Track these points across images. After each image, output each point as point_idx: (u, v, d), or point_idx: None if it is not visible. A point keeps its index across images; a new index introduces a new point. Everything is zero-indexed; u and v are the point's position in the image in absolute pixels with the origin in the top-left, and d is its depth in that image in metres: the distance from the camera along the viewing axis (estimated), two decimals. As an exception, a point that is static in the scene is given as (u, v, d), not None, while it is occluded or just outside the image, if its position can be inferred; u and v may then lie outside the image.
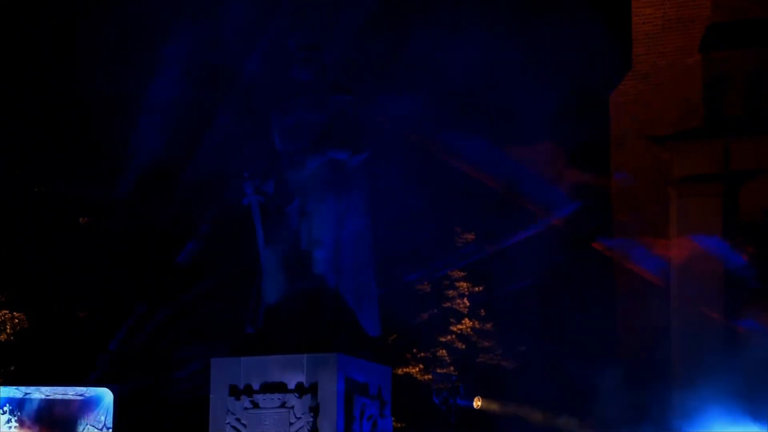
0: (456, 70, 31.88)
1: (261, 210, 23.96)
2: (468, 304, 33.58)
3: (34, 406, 25.77)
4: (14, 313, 30.56)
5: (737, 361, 30.97)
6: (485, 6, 32.21)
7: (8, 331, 30.14)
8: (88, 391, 25.08)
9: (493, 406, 29.67)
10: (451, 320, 33.48)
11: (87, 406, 24.91)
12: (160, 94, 27.74)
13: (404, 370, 30.32)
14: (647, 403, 30.65)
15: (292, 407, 23.28)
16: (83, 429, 24.73)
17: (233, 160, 24.72)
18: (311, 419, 23.11)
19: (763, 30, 33.06)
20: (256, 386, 23.48)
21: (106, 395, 25.01)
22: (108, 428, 24.75)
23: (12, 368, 28.99)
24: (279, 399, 23.35)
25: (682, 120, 33.87)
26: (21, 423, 25.61)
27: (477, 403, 27.20)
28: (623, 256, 33.45)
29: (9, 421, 25.34)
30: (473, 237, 33.46)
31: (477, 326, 33.34)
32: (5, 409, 25.74)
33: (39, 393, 25.95)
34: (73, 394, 24.86)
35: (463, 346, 33.12)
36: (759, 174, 32.56)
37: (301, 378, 23.21)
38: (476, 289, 33.37)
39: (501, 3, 32.24)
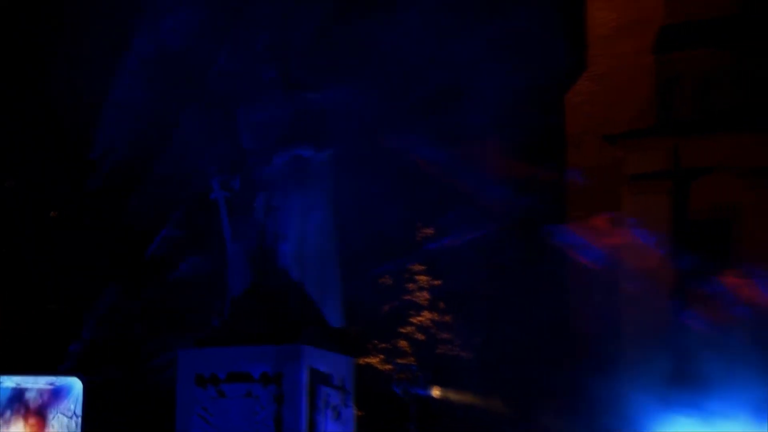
0: (411, 68, 31.93)
1: (228, 205, 24.12)
2: (428, 296, 33.69)
3: (6, 394, 25.74)
4: (-15, 304, 30.59)
5: (684, 354, 31.25)
6: (440, 4, 32.25)
7: (-21, 322, 30.19)
8: (58, 380, 25.12)
9: (451, 395, 29.82)
10: (411, 312, 33.58)
11: (57, 394, 24.96)
12: (128, 92, 27.72)
13: (366, 360, 30.40)
14: (597, 395, 30.82)
15: (258, 397, 23.41)
16: (53, 417, 24.76)
17: (201, 156, 24.77)
18: (276, 408, 23.25)
19: (713, 31, 33.26)
20: (222, 376, 23.60)
21: (76, 384, 25.05)
22: (77, 416, 24.80)
23: (-16, 358, 28.98)
24: (244, 389, 23.48)
25: (636, 119, 34.02)
26: (-8, 411, 25.58)
27: (436, 392, 27.33)
28: (573, 248, 33.60)
29: (-20, 409, 25.32)
30: (432, 232, 33.57)
31: (436, 318, 33.45)
32: (-24, 397, 25.69)
33: (10, 382, 25.93)
34: (43, 383, 24.88)
35: (423, 338, 33.22)
36: (707, 172, 32.77)
37: (266, 368, 23.34)
38: (435, 282, 33.48)
39: (456, 2, 32.30)
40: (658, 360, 31.13)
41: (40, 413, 24.83)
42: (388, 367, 31.01)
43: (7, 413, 25.30)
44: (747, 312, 31.21)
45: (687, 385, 30.10)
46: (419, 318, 33.67)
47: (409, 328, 33.51)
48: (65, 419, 24.83)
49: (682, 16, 33.80)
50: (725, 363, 30.13)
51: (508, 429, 30.15)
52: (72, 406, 24.89)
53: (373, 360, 31.69)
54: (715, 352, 30.55)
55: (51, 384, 25.03)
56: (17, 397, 25.76)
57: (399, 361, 31.37)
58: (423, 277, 33.86)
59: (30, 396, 24.92)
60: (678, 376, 30.66)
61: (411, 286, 33.85)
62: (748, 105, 32.49)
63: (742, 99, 32.69)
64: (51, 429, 24.81)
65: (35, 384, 24.93)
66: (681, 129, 33.18)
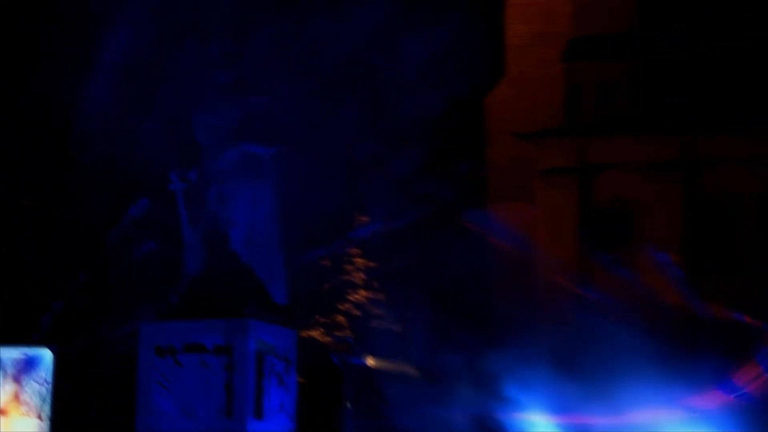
0: (349, 72, 31.74)
1: (185, 195, 23.89)
2: (363, 277, 33.72)
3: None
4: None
5: (592, 333, 31.32)
6: (376, 16, 32.06)
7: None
8: (31, 351, 24.71)
9: (383, 364, 29.74)
10: (349, 291, 33.59)
11: (30, 363, 24.58)
12: (100, 95, 27.42)
13: (308, 333, 30.29)
14: (503, 370, 30.83)
15: (210, 365, 23.20)
16: (27, 383, 24.35)
17: (162, 152, 24.49)
18: (227, 376, 23.05)
19: (614, 45, 33.54)
20: (178, 347, 23.36)
21: (47, 354, 24.66)
22: (48, 383, 24.42)
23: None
24: (199, 358, 23.25)
25: (547, 120, 34.29)
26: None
27: (369, 361, 27.28)
28: (491, 234, 33.60)
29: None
30: (368, 219, 33.52)
31: (371, 296, 33.49)
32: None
33: (-17, 351, 25.50)
34: (17, 354, 24.47)
35: (359, 313, 33.25)
36: (609, 168, 33.00)
37: (219, 340, 23.12)
38: (370, 264, 33.50)
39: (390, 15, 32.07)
40: (567, 335, 31.20)
41: (15, 380, 24.37)
42: (327, 339, 30.91)
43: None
44: (646, 293, 31.44)
45: (592, 370, 30.04)
46: (356, 296, 33.64)
47: (346, 305, 33.46)
48: (37, 386, 24.41)
49: (587, 30, 34.02)
50: (625, 345, 30.24)
51: (426, 391, 30.13)
52: (43, 374, 24.48)
53: (314, 333, 31.58)
54: (616, 335, 30.70)
55: (24, 354, 24.56)
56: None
57: (337, 334, 31.34)
58: (359, 260, 33.83)
59: (5, 365, 24.43)
60: (582, 359, 30.69)
61: (348, 267, 33.79)
62: (644, 109, 32.75)
63: (638, 104, 32.93)
64: (24, 394, 24.36)
65: (10, 354, 24.43)
66: (586, 130, 33.49)
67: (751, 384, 28.90)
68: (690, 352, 30.10)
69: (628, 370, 28.47)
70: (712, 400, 28.24)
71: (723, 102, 32.33)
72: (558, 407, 28.99)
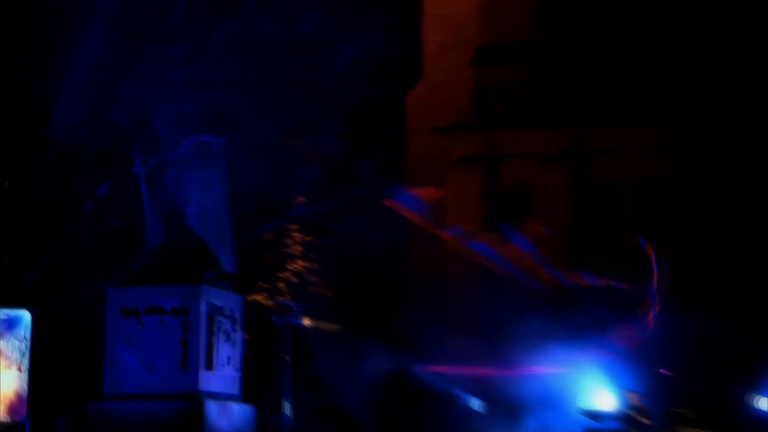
0: (288, 72, 31.65)
1: (146, 178, 23.96)
2: (300, 249, 33.67)
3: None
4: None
5: (493, 298, 31.70)
6: (312, 25, 31.96)
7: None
8: (11, 312, 24.60)
9: (318, 324, 29.89)
10: (288, 261, 33.59)
11: (10, 323, 24.44)
12: (73, 90, 27.16)
13: (252, 297, 30.29)
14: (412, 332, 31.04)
15: (169, 325, 23.20)
16: (8, 341, 24.24)
17: (127, 141, 24.54)
18: (183, 334, 23.07)
19: (515, 51, 33.76)
20: (141, 309, 23.33)
21: (25, 315, 24.58)
22: (27, 340, 24.30)
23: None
24: (158, 319, 23.25)
25: (458, 116, 34.45)
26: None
27: (306, 321, 27.40)
28: (412, 213, 33.78)
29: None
30: (304, 200, 33.55)
31: (307, 266, 33.49)
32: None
33: (-34, 313, 25.20)
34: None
35: (297, 281, 33.23)
36: (510, 157, 33.30)
37: (176, 303, 23.14)
38: (307, 238, 33.51)
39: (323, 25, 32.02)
40: (468, 303, 31.52)
41: (-6, 339, 24.31)
42: (269, 302, 30.93)
43: (-30, 339, 24.66)
44: (539, 264, 31.81)
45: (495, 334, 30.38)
46: (294, 265, 33.65)
47: (286, 274, 33.48)
48: (17, 342, 24.30)
49: (493, 39, 34.29)
50: (520, 308, 30.63)
51: (350, 347, 30.32)
52: (23, 333, 24.35)
53: (258, 297, 31.56)
54: (513, 299, 31.12)
55: (6, 315, 24.45)
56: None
57: (278, 298, 31.31)
58: (297, 235, 33.82)
59: (-16, 325, 24.35)
60: (483, 320, 31.05)
61: (288, 241, 33.79)
62: (540, 106, 33.07)
63: (535, 102, 33.24)
64: (5, 350, 24.29)
65: (-11, 315, 24.35)
66: (491, 124, 33.73)
67: (627, 342, 29.50)
68: (575, 314, 30.57)
69: (521, 330, 28.95)
70: (594, 356, 28.76)
71: (606, 100, 32.64)
72: (460, 362, 29.37)
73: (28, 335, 24.12)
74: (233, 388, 24.18)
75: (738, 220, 30.92)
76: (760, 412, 26.33)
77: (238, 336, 24.23)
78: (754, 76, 31.99)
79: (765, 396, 26.41)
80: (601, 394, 26.68)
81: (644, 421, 23.95)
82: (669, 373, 27.33)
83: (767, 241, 30.40)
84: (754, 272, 29.66)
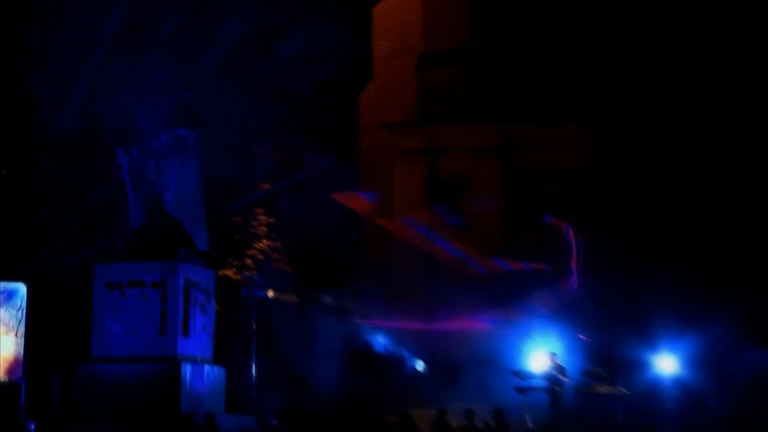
0: (252, 75, 31.56)
1: (129, 167, 24.09)
2: (265, 230, 33.55)
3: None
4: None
5: (431, 268, 31.88)
6: (275, 33, 31.77)
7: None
8: (9, 285, 24.55)
9: (280, 296, 29.92)
10: (254, 240, 33.50)
11: (9, 294, 24.36)
12: (69, 88, 26.85)
13: (223, 272, 30.28)
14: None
15: (149, 297, 23.41)
16: (6, 309, 24.18)
17: (113, 134, 24.62)
18: (161, 305, 23.30)
19: (453, 57, 33.70)
20: (124, 282, 23.55)
21: (21, 287, 24.55)
22: (22, 309, 24.22)
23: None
24: (140, 291, 23.45)
25: (404, 114, 34.38)
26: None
27: (270, 293, 27.42)
28: (362, 200, 33.83)
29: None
30: (269, 186, 33.48)
31: (271, 245, 33.36)
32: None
33: (-26, 287, 25.01)
34: (-1, 287, 24.31)
35: (262, 258, 33.14)
36: (449, 150, 33.36)
37: (155, 277, 23.36)
38: (271, 220, 33.39)
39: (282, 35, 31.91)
40: (410, 273, 31.61)
41: (-8, 308, 24.30)
42: (238, 277, 30.90)
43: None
44: (472, 243, 31.99)
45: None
46: (260, 244, 33.56)
47: (253, 251, 33.41)
48: (14, 311, 24.29)
49: (434, 46, 34.16)
50: (452, 276, 30.88)
51: (306, 312, 30.34)
52: (19, 303, 24.31)
53: (228, 272, 31.54)
54: (448, 270, 31.35)
55: (4, 288, 24.45)
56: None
57: (245, 273, 31.23)
58: (262, 217, 33.70)
59: (-16, 297, 24.30)
60: (422, 286, 31.14)
61: (254, 222, 33.68)
62: (475, 105, 33.17)
63: (470, 101, 33.34)
64: (4, 318, 24.31)
65: (-12, 288, 24.30)
66: (433, 121, 33.64)
67: (550, 310, 29.90)
68: (505, 286, 30.99)
69: (449, 294, 29.26)
70: (522, 322, 29.18)
71: (533, 100, 32.58)
72: (398, 319, 29.59)
73: (24, 305, 24.06)
74: (206, 352, 24.40)
75: (642, 203, 31.24)
76: (661, 370, 26.86)
77: (211, 306, 24.49)
78: (658, 80, 32.26)
79: (668, 355, 26.84)
80: (528, 355, 26.89)
81: (564, 378, 24.08)
82: (585, 337, 27.76)
83: (668, 222, 30.70)
84: (656, 249, 30.02)
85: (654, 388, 25.86)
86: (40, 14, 28.92)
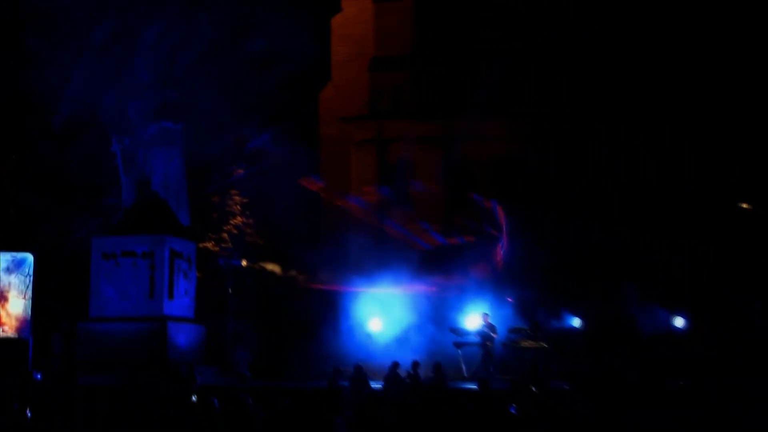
0: (224, 72, 31.12)
1: (122, 154, 23.98)
2: (239, 208, 33.35)
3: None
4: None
5: (381, 241, 31.82)
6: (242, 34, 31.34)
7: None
8: (19, 255, 24.33)
9: (252, 265, 29.84)
10: (230, 217, 33.27)
11: (18, 263, 24.17)
12: (71, 85, 26.25)
13: (203, 245, 30.09)
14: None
15: (139, 265, 23.45)
16: (15, 275, 23.99)
17: (107, 125, 24.43)
18: (150, 272, 23.31)
19: (400, 61, 33.56)
20: (118, 253, 23.51)
21: (29, 257, 24.35)
22: (30, 275, 24.04)
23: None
24: (131, 261, 23.47)
25: (358, 109, 34.20)
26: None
27: (243, 262, 27.40)
28: (320, 182, 33.68)
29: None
30: (242, 171, 33.24)
31: (244, 221, 33.16)
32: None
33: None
34: (9, 257, 24.07)
35: (237, 232, 32.90)
36: (397, 140, 33.21)
37: (145, 248, 23.38)
38: (244, 200, 33.22)
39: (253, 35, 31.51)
40: (361, 247, 31.48)
41: (8, 274, 24.10)
42: (216, 249, 30.81)
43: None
44: (416, 219, 31.99)
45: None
46: (235, 221, 33.27)
47: (228, 226, 33.14)
48: (22, 277, 24.13)
49: (384, 52, 33.97)
50: (400, 248, 30.92)
51: (276, 274, 30.26)
52: (27, 270, 24.17)
53: (208, 245, 31.33)
54: (396, 242, 31.37)
55: (13, 257, 24.24)
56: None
57: (223, 245, 31.17)
58: (237, 198, 33.47)
59: (3, 265, 24.09)
60: (373, 256, 31.06)
61: (230, 202, 33.40)
62: (419, 102, 33.11)
63: (415, 99, 33.26)
64: (13, 283, 24.12)
65: (5, 258, 24.12)
66: (383, 116, 33.48)
67: (482, 277, 30.03)
68: (439, 253, 30.86)
69: (397, 263, 29.23)
70: (459, 287, 29.33)
71: (467, 98, 32.09)
72: (353, 285, 29.65)
73: (31, 272, 23.94)
74: (189, 313, 24.42)
75: (561, 186, 31.29)
76: (573, 326, 27.15)
77: (192, 274, 24.50)
78: (573, 80, 32.33)
79: (576, 316, 27.13)
80: (463, 315, 26.96)
81: (494, 335, 24.42)
82: (511, 299, 27.97)
83: (585, 207, 30.58)
84: (574, 226, 30.03)
85: (569, 342, 26.05)
86: (39, 16, 28.33)
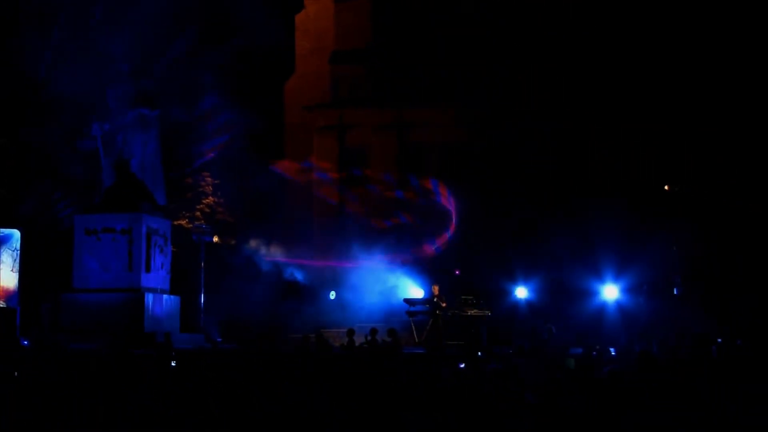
0: (199, 64, 30.85)
1: (102, 139, 23.88)
2: (211, 189, 33.28)
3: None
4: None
5: (344, 220, 31.96)
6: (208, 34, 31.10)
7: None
8: (5, 230, 24.16)
9: (222, 241, 29.84)
10: (202, 197, 33.18)
11: (5, 238, 24.04)
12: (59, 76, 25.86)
13: (178, 222, 30.01)
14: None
15: (119, 240, 23.40)
16: (3, 250, 23.87)
17: (89, 112, 24.24)
18: (128, 247, 23.28)
19: (359, 54, 33.51)
20: (99, 229, 23.44)
21: (16, 233, 24.21)
22: (17, 250, 23.96)
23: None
24: (111, 236, 23.39)
25: (320, 98, 34.16)
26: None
27: (215, 239, 27.36)
28: (287, 167, 33.68)
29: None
30: (213, 155, 33.04)
31: (216, 200, 33.08)
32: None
33: (-21, 231, 24.55)
34: (-6, 232, 23.89)
35: (209, 211, 32.82)
36: (356, 126, 33.32)
37: (124, 225, 23.33)
38: (216, 181, 33.14)
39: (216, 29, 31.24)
40: (325, 226, 31.54)
41: (-9, 249, 23.91)
42: (189, 226, 30.69)
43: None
44: (375, 198, 32.14)
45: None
46: (207, 200, 33.24)
47: (201, 205, 33.12)
48: (10, 252, 24.05)
49: (343, 46, 33.96)
50: (359, 226, 31.06)
51: (244, 253, 30.32)
52: (14, 245, 24.09)
53: (182, 222, 31.26)
54: (356, 222, 31.51)
55: (2, 233, 24.09)
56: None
57: (196, 223, 31.05)
58: (208, 179, 33.46)
59: (-8, 240, 23.92)
60: (335, 235, 31.17)
61: (202, 183, 33.39)
62: (375, 91, 33.11)
63: (372, 88, 33.25)
64: (3, 257, 24.00)
65: (-12, 233, 23.88)
66: (342, 104, 33.47)
67: (433, 252, 30.32)
68: (395, 231, 31.07)
69: (357, 240, 29.39)
70: (407, 260, 29.58)
71: (420, 88, 32.18)
72: (316, 259, 29.70)
73: (18, 247, 23.86)
74: (165, 285, 24.43)
75: (505, 168, 31.31)
76: (515, 297, 27.60)
77: (168, 249, 24.51)
78: (523, 68, 32.11)
79: (522, 285, 27.48)
80: (416, 287, 27.63)
81: (443, 304, 24.74)
82: (459, 272, 28.30)
83: (526, 192, 30.56)
84: (519, 205, 30.10)
85: (511, 310, 26.53)
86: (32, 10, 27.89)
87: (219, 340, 24.39)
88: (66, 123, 26.50)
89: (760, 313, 23.46)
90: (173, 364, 13.22)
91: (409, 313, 25.16)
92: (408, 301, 25.75)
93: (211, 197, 33.32)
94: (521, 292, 27.26)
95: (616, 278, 26.84)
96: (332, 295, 28.90)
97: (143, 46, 24.89)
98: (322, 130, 33.69)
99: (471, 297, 24.77)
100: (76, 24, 26.48)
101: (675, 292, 25.06)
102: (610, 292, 26.84)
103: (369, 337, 20.51)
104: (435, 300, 24.69)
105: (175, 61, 28.62)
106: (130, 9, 25.39)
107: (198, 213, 32.78)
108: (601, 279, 26.95)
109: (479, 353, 18.57)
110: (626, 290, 26.66)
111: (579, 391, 7.37)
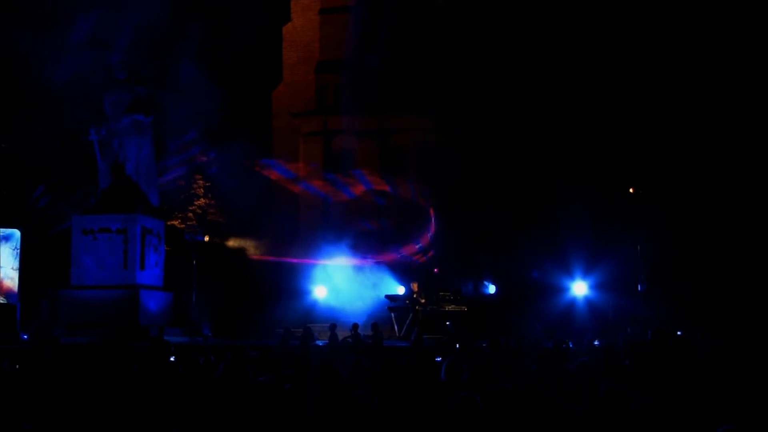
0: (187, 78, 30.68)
1: (99, 143, 23.68)
2: (203, 191, 33.20)
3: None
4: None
5: (329, 217, 31.88)
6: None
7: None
8: (6, 230, 23.91)
9: (214, 239, 29.71)
10: (195, 199, 33.09)
11: (6, 238, 23.82)
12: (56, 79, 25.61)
13: (171, 222, 29.88)
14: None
15: (114, 240, 23.21)
16: (3, 249, 23.61)
17: (87, 117, 24.01)
18: (124, 246, 23.08)
19: (340, 64, 33.55)
20: (95, 229, 23.27)
21: (16, 232, 23.97)
22: (18, 249, 23.74)
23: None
24: (107, 236, 23.22)
25: (307, 105, 34.38)
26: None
27: (206, 238, 27.26)
28: (273, 169, 33.64)
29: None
30: (205, 159, 32.97)
31: (207, 202, 33.06)
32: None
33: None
34: (-1, 232, 23.65)
35: (200, 212, 32.81)
36: (340, 132, 33.42)
37: (119, 225, 23.15)
38: (207, 184, 33.10)
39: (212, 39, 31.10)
40: (311, 222, 31.43)
41: (-7, 250, 23.67)
42: (182, 226, 30.61)
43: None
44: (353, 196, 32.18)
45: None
46: (199, 202, 33.19)
47: (194, 206, 33.04)
48: (11, 250, 23.84)
49: (328, 56, 34.19)
50: (343, 224, 31.02)
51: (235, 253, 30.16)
52: (15, 244, 23.88)
53: (175, 222, 31.15)
54: (341, 220, 31.50)
55: (3, 232, 23.87)
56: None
57: (188, 223, 31.00)
58: (201, 182, 33.39)
59: (-5, 239, 23.69)
60: (324, 230, 31.08)
61: (195, 185, 33.29)
62: (358, 99, 32.95)
63: (354, 96, 33.18)
64: (4, 255, 23.79)
65: (-10, 232, 23.64)
66: (327, 111, 33.63)
67: (414, 255, 30.41)
68: (377, 232, 31.14)
69: (341, 240, 29.31)
70: (386, 256, 29.57)
71: (399, 97, 32.35)
72: (301, 258, 29.68)
73: (18, 246, 23.65)
74: (158, 282, 24.26)
75: (479, 171, 31.49)
76: (488, 292, 27.62)
77: (162, 247, 24.33)
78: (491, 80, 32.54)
79: (490, 283, 27.69)
80: (397, 284, 27.53)
81: (422, 300, 24.92)
82: (437, 270, 28.33)
83: (499, 194, 30.58)
84: (492, 207, 30.10)
85: (483, 304, 26.65)
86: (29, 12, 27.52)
87: (209, 333, 24.25)
88: (66, 124, 26.21)
89: (721, 308, 23.59)
90: (172, 359, 13.05)
91: (391, 309, 25.16)
92: (389, 297, 25.70)
93: (203, 199, 33.20)
94: (491, 289, 27.32)
95: (585, 275, 26.92)
96: (317, 291, 28.82)
97: (138, 52, 24.66)
98: (308, 135, 33.75)
99: (448, 293, 24.79)
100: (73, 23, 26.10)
101: (639, 289, 25.16)
102: (579, 288, 26.93)
103: (352, 332, 20.49)
104: (415, 296, 24.69)
105: (168, 65, 28.35)
106: (118, 31, 25.04)
107: (190, 214, 32.68)
108: (571, 276, 27.04)
109: (457, 346, 18.53)
110: (594, 287, 26.74)
111: (553, 381, 7.45)
